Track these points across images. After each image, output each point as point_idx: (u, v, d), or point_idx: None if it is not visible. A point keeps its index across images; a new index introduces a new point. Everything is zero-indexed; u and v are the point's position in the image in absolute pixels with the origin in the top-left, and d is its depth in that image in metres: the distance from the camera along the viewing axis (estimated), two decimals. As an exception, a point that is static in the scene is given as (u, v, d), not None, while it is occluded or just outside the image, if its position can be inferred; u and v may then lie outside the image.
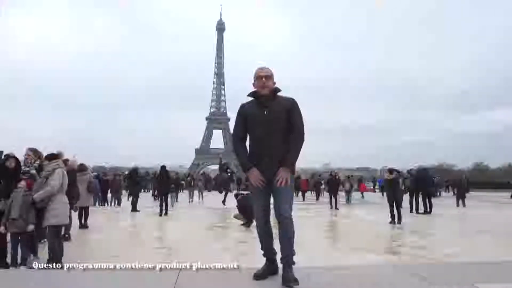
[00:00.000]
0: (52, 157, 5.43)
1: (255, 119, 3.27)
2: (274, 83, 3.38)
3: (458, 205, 17.43)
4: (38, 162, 5.79)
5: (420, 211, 13.96)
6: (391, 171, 11.89)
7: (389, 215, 11.08)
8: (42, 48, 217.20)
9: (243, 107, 3.41)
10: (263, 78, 3.30)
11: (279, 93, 3.39)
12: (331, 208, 15.62)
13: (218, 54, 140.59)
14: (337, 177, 17.49)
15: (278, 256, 3.29)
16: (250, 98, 3.41)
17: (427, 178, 15.36)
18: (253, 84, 3.39)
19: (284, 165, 3.16)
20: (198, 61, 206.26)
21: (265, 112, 3.25)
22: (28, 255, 5.16)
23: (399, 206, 11.07)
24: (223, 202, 15.90)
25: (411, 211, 13.95)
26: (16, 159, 5.43)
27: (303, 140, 3.28)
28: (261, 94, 3.31)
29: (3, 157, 5.61)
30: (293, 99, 3.37)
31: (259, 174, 3.18)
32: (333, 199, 15.93)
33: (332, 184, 16.73)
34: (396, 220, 10.93)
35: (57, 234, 5.22)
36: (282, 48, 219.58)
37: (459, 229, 10.13)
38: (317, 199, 22.67)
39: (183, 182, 24.24)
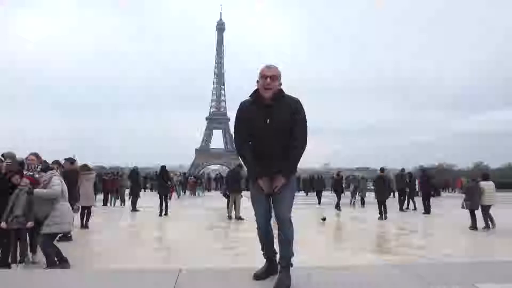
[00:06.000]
0: (47, 168, 5.53)
1: (256, 126, 3.12)
2: (280, 84, 3.14)
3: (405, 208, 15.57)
4: (40, 166, 5.79)
5: (405, 209, 15.15)
6: (382, 169, 13.84)
7: (378, 211, 12.40)
8: (42, 48, 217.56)
9: (242, 109, 3.20)
10: (268, 78, 3.06)
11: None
12: (337, 209, 15.11)
13: (218, 54, 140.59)
14: (342, 177, 17.26)
15: (278, 257, 3.29)
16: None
17: (426, 178, 15.52)
18: (257, 81, 3.15)
19: (283, 174, 3.10)
20: (198, 61, 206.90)
21: (267, 121, 3.07)
22: (25, 253, 5.20)
23: (384, 202, 12.44)
24: None
25: (400, 209, 15.04)
26: (22, 175, 5.50)
27: (304, 149, 3.16)
28: (264, 97, 3.09)
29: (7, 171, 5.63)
30: (297, 103, 3.15)
31: (267, 183, 3.13)
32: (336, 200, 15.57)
33: (337, 185, 16.24)
34: (383, 215, 12.30)
35: (51, 240, 5.16)
36: (282, 48, 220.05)
37: (459, 229, 10.12)
38: (307, 194, 26.93)
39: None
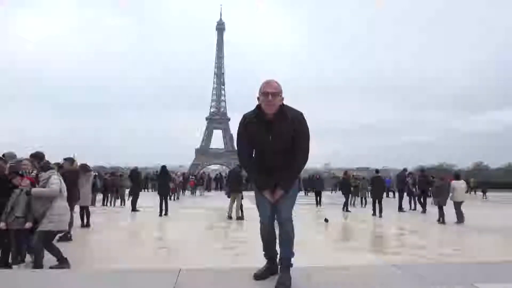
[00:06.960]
0: (47, 168, 5.52)
1: (258, 141, 3.15)
2: (282, 99, 3.11)
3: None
4: (35, 172, 5.77)
5: (404, 209, 15.07)
6: (377, 171, 14.93)
7: (372, 208, 13.28)
8: (42, 48, 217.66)
9: (244, 123, 3.18)
10: (270, 95, 3.01)
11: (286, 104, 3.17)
12: (343, 210, 14.62)
13: (218, 54, 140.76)
14: (349, 176, 16.64)
15: (279, 257, 3.29)
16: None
17: (423, 178, 15.62)
18: (257, 98, 3.11)
19: (282, 188, 3.13)
20: (198, 61, 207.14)
21: (269, 137, 3.08)
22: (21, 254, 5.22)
23: (380, 202, 13.13)
24: None
25: (399, 209, 14.94)
26: (22, 176, 5.50)
27: (305, 162, 3.16)
28: (267, 113, 3.07)
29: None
30: (299, 116, 3.12)
31: (270, 194, 3.18)
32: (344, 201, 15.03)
33: (344, 185, 15.64)
34: (377, 213, 12.95)
35: (46, 239, 5.11)
36: (282, 48, 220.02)
37: (459, 229, 10.13)
38: (306, 194, 26.83)
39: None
